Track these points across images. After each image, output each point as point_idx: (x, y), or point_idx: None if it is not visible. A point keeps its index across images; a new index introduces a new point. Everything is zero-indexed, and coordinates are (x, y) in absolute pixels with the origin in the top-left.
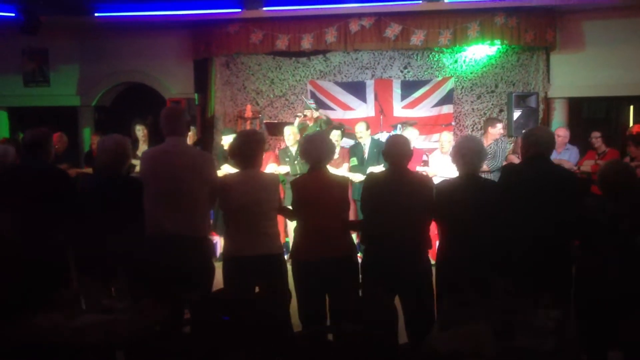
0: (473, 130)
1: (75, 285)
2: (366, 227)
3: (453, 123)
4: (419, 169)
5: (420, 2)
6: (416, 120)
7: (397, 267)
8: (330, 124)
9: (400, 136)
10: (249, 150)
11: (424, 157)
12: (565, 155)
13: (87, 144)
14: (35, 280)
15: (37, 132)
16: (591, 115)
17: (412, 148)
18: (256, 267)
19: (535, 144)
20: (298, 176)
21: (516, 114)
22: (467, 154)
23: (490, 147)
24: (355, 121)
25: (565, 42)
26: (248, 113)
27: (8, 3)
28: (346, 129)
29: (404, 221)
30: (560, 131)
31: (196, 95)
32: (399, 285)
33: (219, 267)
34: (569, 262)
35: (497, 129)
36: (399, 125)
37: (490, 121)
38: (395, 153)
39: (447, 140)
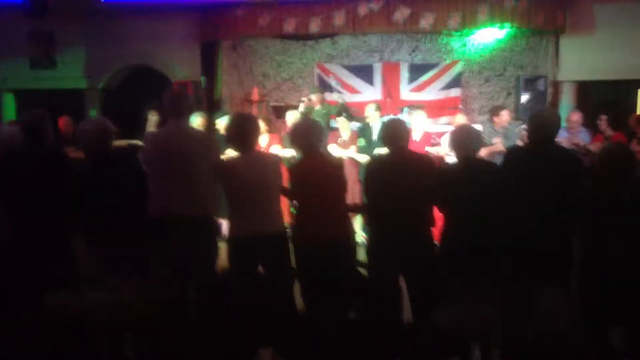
0: (480, 113)
1: (82, 266)
2: (370, 209)
3: (461, 106)
4: (430, 149)
5: None
6: (424, 103)
7: (401, 247)
8: (347, 110)
9: (395, 119)
10: (244, 134)
11: (432, 141)
12: (580, 136)
13: None
14: (40, 262)
15: (32, 114)
16: (600, 99)
17: (408, 129)
18: (260, 246)
19: (541, 126)
20: (294, 162)
21: (524, 97)
22: (461, 138)
23: (499, 132)
24: (363, 104)
25: (575, 25)
26: (255, 96)
27: None
28: (353, 112)
29: (406, 202)
30: (574, 116)
31: (202, 78)
32: (404, 266)
33: (224, 248)
34: (570, 244)
35: (502, 117)
36: (406, 109)
37: (494, 110)
38: (392, 136)
39: (460, 122)
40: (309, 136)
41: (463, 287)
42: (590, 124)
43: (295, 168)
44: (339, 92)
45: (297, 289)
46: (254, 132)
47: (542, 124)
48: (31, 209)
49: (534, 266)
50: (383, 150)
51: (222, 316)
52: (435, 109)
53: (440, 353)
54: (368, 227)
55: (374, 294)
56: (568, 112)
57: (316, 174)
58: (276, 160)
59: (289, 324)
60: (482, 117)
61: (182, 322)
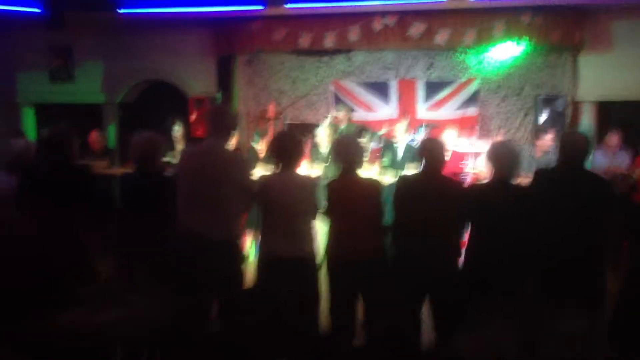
0: (498, 133)
1: (100, 281)
2: (398, 228)
3: (477, 126)
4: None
5: (445, 0)
6: (440, 122)
7: (426, 269)
8: (366, 130)
9: (434, 139)
10: (287, 152)
11: (462, 160)
12: (617, 162)
13: (112, 140)
14: (57, 277)
15: (56, 130)
16: (621, 119)
17: (446, 151)
18: (289, 268)
19: (567, 149)
20: (332, 178)
21: (542, 117)
22: (502, 159)
23: (541, 160)
24: (378, 122)
25: (593, 42)
26: (270, 113)
27: None
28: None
29: (436, 223)
30: (612, 138)
31: (219, 95)
32: (428, 288)
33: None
34: (600, 268)
35: (545, 140)
36: (423, 127)
37: (537, 133)
38: (430, 156)
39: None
40: (351, 154)
41: (485, 311)
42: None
43: (333, 184)
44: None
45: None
46: (298, 151)
47: (569, 146)
48: (53, 225)
49: (561, 290)
50: (408, 170)
51: (243, 333)
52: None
53: None
54: (394, 245)
55: (395, 314)
56: (590, 134)
57: (353, 192)
58: (314, 183)
59: (311, 343)
60: (500, 137)
61: (202, 339)
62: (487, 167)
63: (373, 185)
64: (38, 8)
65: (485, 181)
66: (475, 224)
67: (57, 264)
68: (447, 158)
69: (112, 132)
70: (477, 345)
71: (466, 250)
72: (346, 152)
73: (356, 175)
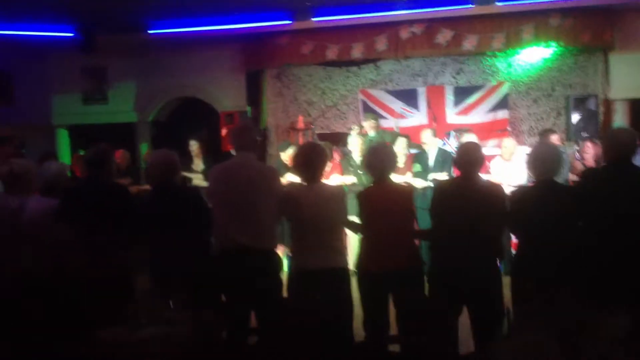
0: (530, 135)
1: (138, 299)
2: (434, 236)
3: (509, 128)
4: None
5: (472, 6)
6: (471, 126)
7: (464, 276)
8: (405, 137)
9: (473, 143)
10: (311, 164)
11: (487, 164)
12: None
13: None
14: (99, 295)
15: (98, 149)
16: None
17: (483, 155)
18: (321, 280)
19: (616, 147)
20: (363, 187)
21: (575, 117)
22: (546, 159)
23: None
24: (409, 129)
25: (624, 41)
26: (300, 124)
27: (67, 23)
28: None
29: (472, 230)
30: None
31: (249, 109)
32: (466, 294)
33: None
34: None
35: (552, 141)
36: (453, 132)
37: (543, 134)
38: (467, 161)
39: (508, 146)
40: (383, 161)
41: (527, 317)
42: None
43: (366, 193)
44: (383, 118)
45: (358, 319)
46: (321, 163)
47: (616, 144)
48: (93, 244)
49: (608, 294)
50: (440, 176)
51: (282, 346)
52: (483, 132)
53: None
54: (432, 252)
55: (434, 321)
56: None
57: (386, 200)
58: (341, 193)
59: (346, 353)
60: (532, 139)
61: (241, 354)
62: (531, 169)
63: (405, 191)
64: (71, 33)
65: (529, 184)
66: (522, 229)
67: (99, 281)
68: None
69: (144, 150)
70: (517, 350)
71: (515, 257)
72: (377, 160)
73: (388, 182)
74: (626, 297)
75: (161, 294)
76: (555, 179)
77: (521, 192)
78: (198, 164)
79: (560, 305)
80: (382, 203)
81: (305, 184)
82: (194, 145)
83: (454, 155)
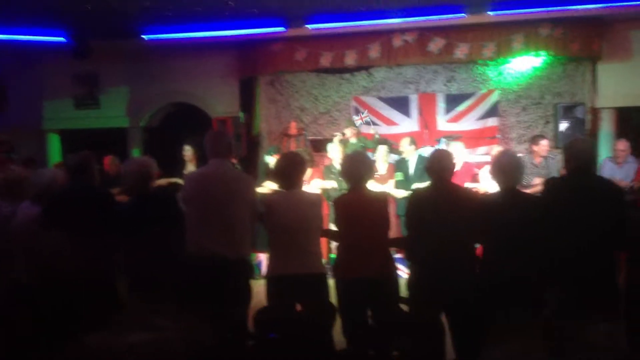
0: (519, 142)
1: (126, 304)
2: (411, 244)
3: (498, 136)
4: (469, 185)
5: (464, 15)
6: (461, 134)
7: (444, 284)
8: (386, 142)
9: (442, 150)
10: (290, 173)
11: (475, 171)
12: (624, 169)
13: None
14: (85, 301)
15: (79, 155)
16: None
17: (454, 162)
18: (299, 285)
19: (575, 157)
20: (339, 194)
21: (563, 125)
22: (507, 168)
23: (542, 164)
24: (400, 136)
25: (611, 51)
26: (292, 130)
27: (60, 29)
28: (392, 145)
29: (449, 237)
30: (621, 145)
31: (241, 114)
32: (447, 303)
33: (262, 285)
34: (615, 276)
35: (542, 146)
36: (444, 140)
37: (534, 139)
38: (438, 168)
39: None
40: (359, 169)
41: (508, 323)
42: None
43: (341, 200)
44: (374, 124)
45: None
46: (300, 171)
47: (574, 154)
48: (78, 250)
49: (579, 300)
50: (421, 184)
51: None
52: (473, 139)
53: None
54: (409, 261)
55: (415, 331)
56: (610, 140)
57: (361, 207)
58: (318, 200)
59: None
60: (521, 147)
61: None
62: (495, 178)
63: (379, 199)
64: (63, 38)
65: (494, 192)
66: (487, 236)
67: (84, 287)
68: (456, 168)
69: (136, 155)
70: (504, 357)
71: (482, 263)
72: (353, 168)
73: (363, 190)
74: (598, 303)
75: (141, 299)
76: (516, 187)
77: (486, 200)
78: (191, 169)
79: (540, 310)
80: (357, 210)
81: (282, 190)
82: (188, 151)
83: (426, 164)
